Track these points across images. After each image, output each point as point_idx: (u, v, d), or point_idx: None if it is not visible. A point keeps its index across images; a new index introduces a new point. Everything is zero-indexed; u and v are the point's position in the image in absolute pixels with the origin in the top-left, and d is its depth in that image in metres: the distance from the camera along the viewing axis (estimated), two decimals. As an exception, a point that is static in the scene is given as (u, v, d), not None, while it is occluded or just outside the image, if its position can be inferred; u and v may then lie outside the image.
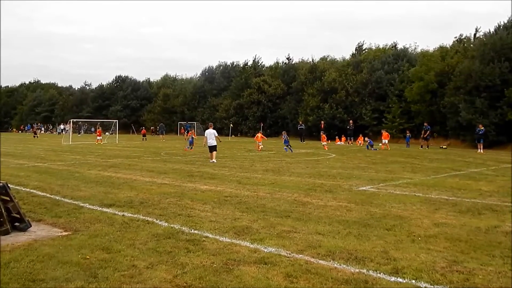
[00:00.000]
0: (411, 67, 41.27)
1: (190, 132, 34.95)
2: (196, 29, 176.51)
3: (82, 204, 8.88)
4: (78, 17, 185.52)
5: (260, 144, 27.89)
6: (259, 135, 29.21)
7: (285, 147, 26.82)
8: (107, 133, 49.14)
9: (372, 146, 29.94)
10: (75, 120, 53.82)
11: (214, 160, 18.91)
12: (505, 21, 35.18)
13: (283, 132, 29.63)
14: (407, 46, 49.69)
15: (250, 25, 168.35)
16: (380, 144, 33.60)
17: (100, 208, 8.50)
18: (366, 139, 32.49)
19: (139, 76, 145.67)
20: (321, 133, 32.79)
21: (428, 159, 21.18)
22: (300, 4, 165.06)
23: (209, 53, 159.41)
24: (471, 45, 39.01)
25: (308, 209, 8.59)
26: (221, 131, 52.04)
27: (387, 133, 30.04)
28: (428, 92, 37.67)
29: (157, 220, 7.52)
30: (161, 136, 49.39)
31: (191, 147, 27.18)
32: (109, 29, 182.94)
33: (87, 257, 5.43)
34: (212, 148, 19.39)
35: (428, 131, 32.63)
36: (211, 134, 19.53)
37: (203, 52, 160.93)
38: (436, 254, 5.69)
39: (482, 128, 28.63)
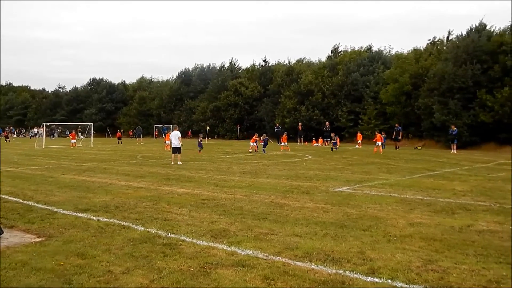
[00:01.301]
0: (386, 69, 41.78)
1: (168, 134, 34.77)
2: (172, 32, 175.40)
3: (56, 210, 8.72)
4: (48, 21, 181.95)
5: (254, 144, 28.59)
6: (254, 137, 29.76)
7: (263, 148, 27.42)
8: (81, 137, 48.36)
9: (335, 145, 30.16)
10: (48, 123, 52.84)
11: (179, 162, 18.90)
12: (477, 24, 36.02)
13: (263, 135, 29.89)
14: (382, 48, 50.34)
15: (228, 27, 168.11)
16: (358, 145, 33.91)
17: (75, 213, 8.36)
18: (333, 135, 32.36)
19: (115, 79, 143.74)
20: (284, 134, 32.83)
21: (403, 160, 21.48)
22: (275, 7, 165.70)
23: (184, 55, 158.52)
24: (444, 48, 39.77)
25: (285, 211, 8.61)
26: (197, 134, 51.79)
27: (380, 135, 29.82)
28: (403, 94, 38.24)
29: (133, 224, 7.44)
30: (137, 139, 48.85)
31: (200, 150, 27.46)
32: (82, 33, 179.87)
33: (62, 263, 5.33)
34: (176, 150, 19.34)
35: (400, 132, 33.18)
36: (175, 136, 19.50)
37: (178, 55, 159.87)
38: (411, 253, 5.77)
39: (455, 129, 29.24)
